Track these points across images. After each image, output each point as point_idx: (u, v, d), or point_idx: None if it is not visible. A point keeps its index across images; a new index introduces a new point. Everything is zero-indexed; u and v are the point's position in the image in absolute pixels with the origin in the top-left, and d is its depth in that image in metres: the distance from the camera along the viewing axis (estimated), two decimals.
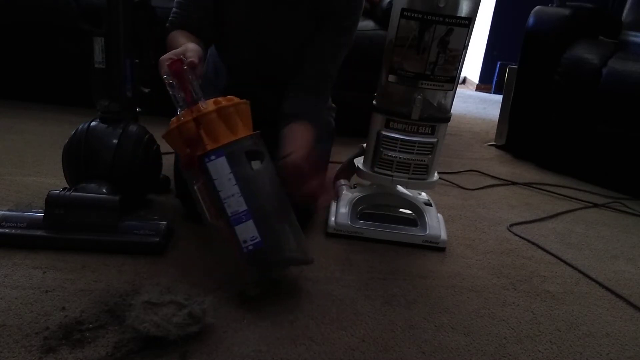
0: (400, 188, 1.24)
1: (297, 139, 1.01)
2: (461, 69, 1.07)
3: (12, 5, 1.89)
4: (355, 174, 1.25)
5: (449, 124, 1.14)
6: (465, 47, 1.04)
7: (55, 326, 0.75)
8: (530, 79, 2.04)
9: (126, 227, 0.98)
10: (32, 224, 0.95)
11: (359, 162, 1.22)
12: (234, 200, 0.81)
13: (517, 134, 2.16)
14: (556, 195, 1.69)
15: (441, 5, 0.98)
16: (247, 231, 0.81)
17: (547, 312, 0.96)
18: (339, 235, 1.16)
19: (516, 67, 2.10)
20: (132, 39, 1.11)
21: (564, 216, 1.50)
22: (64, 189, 0.99)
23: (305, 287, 0.94)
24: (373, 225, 1.17)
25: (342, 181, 1.31)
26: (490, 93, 4.08)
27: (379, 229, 1.16)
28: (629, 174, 1.77)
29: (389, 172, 1.15)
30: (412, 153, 1.12)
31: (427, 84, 1.06)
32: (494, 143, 2.31)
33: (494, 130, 2.34)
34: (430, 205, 1.23)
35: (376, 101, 1.13)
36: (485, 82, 4.15)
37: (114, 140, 1.07)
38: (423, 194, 1.29)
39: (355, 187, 1.29)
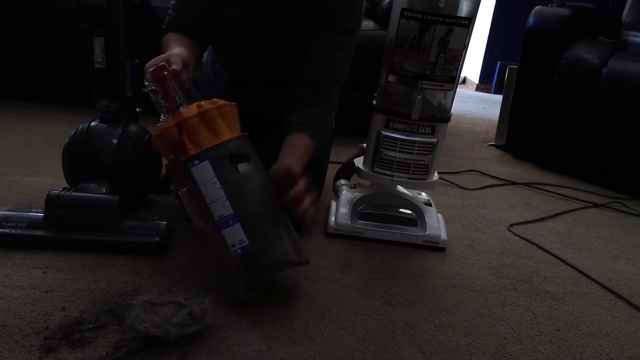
0: (400, 188, 1.24)
1: (296, 151, 0.99)
2: (461, 69, 1.07)
3: (12, 5, 1.89)
4: (355, 174, 1.25)
5: (449, 124, 1.14)
6: (465, 47, 1.04)
7: (55, 326, 0.75)
8: (530, 79, 2.04)
9: (126, 227, 0.98)
10: (32, 224, 0.95)
11: (359, 162, 1.22)
12: (220, 204, 0.80)
13: (517, 134, 2.16)
14: (556, 195, 1.69)
15: (441, 5, 0.98)
16: (235, 235, 0.80)
17: (547, 312, 0.96)
18: (339, 235, 1.16)
19: (516, 67, 2.10)
20: (132, 39, 1.11)
21: (564, 216, 1.50)
22: (64, 189, 0.99)
23: (305, 287, 0.94)
24: (373, 225, 1.17)
25: (342, 181, 1.31)
26: (490, 93, 4.08)
27: (379, 229, 1.16)
28: (629, 174, 1.77)
29: (389, 172, 1.15)
30: (412, 153, 1.12)
31: (427, 84, 1.06)
32: (494, 143, 2.31)
33: (494, 130, 2.34)
34: (430, 205, 1.23)
35: (376, 101, 1.13)
36: (485, 82, 4.15)
37: (114, 140, 1.07)
38: (423, 194, 1.29)
39: (355, 187, 1.29)
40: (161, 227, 1.00)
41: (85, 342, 0.72)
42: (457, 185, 1.67)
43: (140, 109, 1.20)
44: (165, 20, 1.08)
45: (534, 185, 1.77)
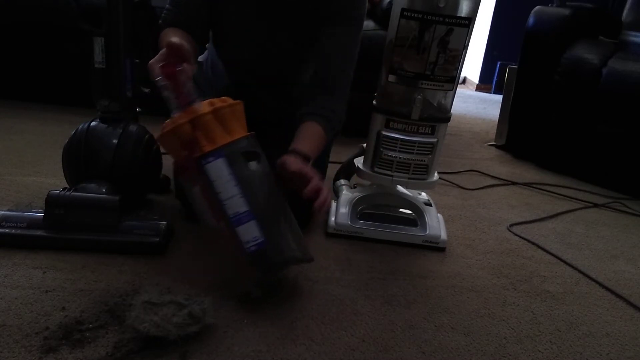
0: (400, 188, 1.24)
1: (309, 140, 1.00)
2: (461, 69, 1.07)
3: (12, 5, 1.89)
4: (355, 174, 1.25)
5: (449, 124, 1.14)
6: (465, 47, 1.04)
7: (55, 326, 0.75)
8: (530, 79, 2.04)
9: (126, 227, 0.98)
10: (32, 224, 0.95)
11: (359, 162, 1.22)
12: (234, 201, 0.80)
13: (517, 134, 2.16)
14: (556, 195, 1.69)
15: (441, 5, 0.98)
16: (249, 232, 0.80)
17: (547, 312, 0.96)
18: (339, 235, 1.16)
19: (516, 67, 2.10)
20: (132, 39, 1.11)
21: (564, 216, 1.50)
22: (64, 189, 0.99)
23: (305, 287, 0.94)
24: (373, 225, 1.17)
25: (342, 181, 1.31)
26: (490, 93, 4.08)
27: (379, 229, 1.16)
28: (629, 174, 1.77)
29: (389, 172, 1.15)
30: (412, 153, 1.12)
31: (427, 84, 1.06)
32: (494, 143, 2.31)
33: (494, 130, 2.34)
34: (430, 205, 1.23)
35: (376, 101, 1.13)
36: (485, 82, 4.14)
37: (114, 140, 1.07)
38: (423, 194, 1.29)
39: (355, 187, 1.29)
40: (161, 227, 1.00)
41: (85, 342, 0.72)
42: (457, 185, 1.67)
43: (140, 109, 1.20)
44: (163, 14, 1.07)
45: (534, 185, 1.77)
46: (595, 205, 1.62)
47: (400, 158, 1.13)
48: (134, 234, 0.98)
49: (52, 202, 0.95)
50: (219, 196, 0.80)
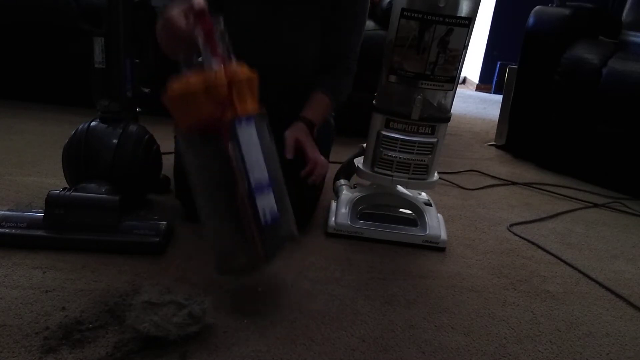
0: (400, 188, 1.24)
1: (313, 107, 1.13)
2: (461, 69, 1.07)
3: (12, 5, 1.89)
4: (355, 174, 1.25)
5: (449, 124, 1.14)
6: (465, 47, 1.04)
7: (55, 326, 0.75)
8: (530, 79, 2.04)
9: (126, 227, 0.98)
10: (32, 224, 0.95)
11: (359, 162, 1.22)
12: (259, 168, 0.78)
13: (517, 134, 2.16)
14: (556, 195, 1.69)
15: (441, 5, 0.98)
16: (268, 202, 0.79)
17: (547, 312, 0.96)
18: (339, 235, 1.16)
19: (516, 67, 2.10)
20: (132, 39, 1.11)
21: (564, 216, 1.50)
22: (64, 189, 0.99)
23: (305, 287, 0.94)
24: (373, 225, 1.17)
25: (342, 181, 1.31)
26: (490, 93, 4.08)
27: (379, 229, 1.16)
28: (629, 174, 1.77)
29: (389, 172, 1.15)
30: (412, 153, 1.12)
31: (427, 84, 1.06)
32: (494, 143, 2.31)
33: (494, 130, 2.34)
34: (430, 205, 1.23)
35: (376, 101, 1.13)
36: (485, 82, 4.15)
37: (114, 140, 1.07)
38: (423, 194, 1.29)
39: (355, 187, 1.29)
40: (161, 227, 1.00)
41: (85, 342, 0.72)
42: (457, 185, 1.67)
43: (140, 109, 1.20)
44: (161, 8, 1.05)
45: (534, 185, 1.77)
46: (595, 205, 1.62)
47: (400, 158, 1.13)
48: (134, 234, 0.98)
49: (52, 202, 0.95)
50: (245, 161, 0.77)
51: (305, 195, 1.13)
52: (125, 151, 1.07)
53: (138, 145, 1.10)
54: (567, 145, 1.93)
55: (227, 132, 0.76)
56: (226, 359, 0.73)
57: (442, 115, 1.12)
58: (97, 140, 1.07)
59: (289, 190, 1.10)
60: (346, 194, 1.23)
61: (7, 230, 0.94)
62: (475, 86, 4.21)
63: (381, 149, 1.13)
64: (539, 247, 1.25)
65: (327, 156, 1.27)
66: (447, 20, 0.99)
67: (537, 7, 2.02)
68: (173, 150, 1.19)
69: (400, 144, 1.11)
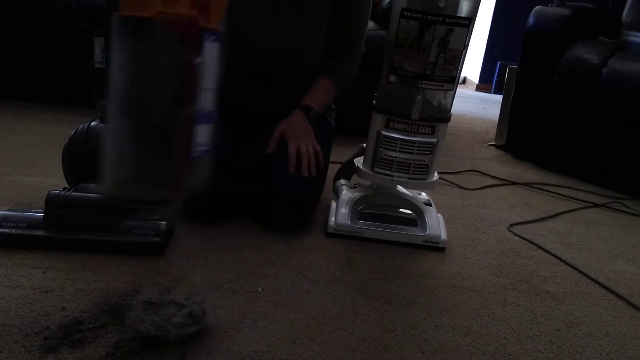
0: (400, 188, 1.24)
1: (313, 92, 1.20)
2: (461, 69, 1.07)
3: (12, 5, 1.89)
4: (355, 174, 1.25)
5: (449, 124, 1.14)
6: (465, 47, 1.04)
7: (55, 326, 0.75)
8: (530, 79, 2.04)
9: (126, 227, 0.98)
10: (32, 224, 0.95)
11: (359, 162, 1.22)
12: (209, 95, 0.68)
13: (517, 134, 2.16)
14: (556, 195, 1.69)
15: (441, 5, 0.98)
16: (204, 135, 0.69)
17: (547, 312, 0.96)
18: (339, 235, 1.16)
19: (516, 67, 2.10)
20: None
21: (564, 216, 1.50)
22: (64, 189, 0.99)
23: (305, 287, 0.94)
24: (373, 225, 1.17)
25: (342, 181, 1.31)
26: (490, 93, 4.08)
27: (379, 229, 1.16)
28: (629, 174, 1.77)
29: (389, 172, 1.14)
30: (412, 153, 1.12)
31: (427, 84, 1.06)
32: (494, 143, 2.31)
33: (494, 130, 2.34)
34: (430, 205, 1.23)
35: (376, 101, 1.13)
36: (485, 82, 4.15)
37: None
38: (423, 194, 1.29)
39: (355, 187, 1.29)
40: (161, 227, 1.00)
41: (85, 342, 0.72)
42: (457, 185, 1.67)
43: None
44: None
45: (534, 185, 1.77)
46: (595, 205, 1.62)
47: (400, 158, 1.13)
48: (134, 234, 0.98)
49: (52, 202, 0.95)
50: (199, 80, 0.67)
51: (304, 193, 1.13)
52: None
53: None
54: (567, 145, 1.93)
55: (196, 39, 0.64)
56: (226, 359, 0.73)
57: (442, 115, 1.12)
58: (97, 140, 1.07)
59: (290, 189, 1.11)
60: (346, 194, 1.23)
61: (7, 230, 0.94)
62: (475, 86, 4.21)
63: (381, 149, 1.13)
64: (539, 247, 1.25)
65: (327, 156, 1.28)
66: (447, 20, 0.99)
67: (537, 7, 2.02)
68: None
69: (400, 144, 1.11)
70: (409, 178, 1.15)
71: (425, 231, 1.16)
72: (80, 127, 1.09)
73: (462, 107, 3.23)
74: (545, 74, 1.94)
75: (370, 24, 1.98)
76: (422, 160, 1.13)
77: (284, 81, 1.21)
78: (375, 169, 1.15)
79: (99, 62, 1.08)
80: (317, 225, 1.21)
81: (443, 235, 1.16)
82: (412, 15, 1.00)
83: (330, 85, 1.22)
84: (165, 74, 0.66)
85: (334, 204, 1.22)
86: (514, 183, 1.77)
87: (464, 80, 4.45)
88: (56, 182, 1.21)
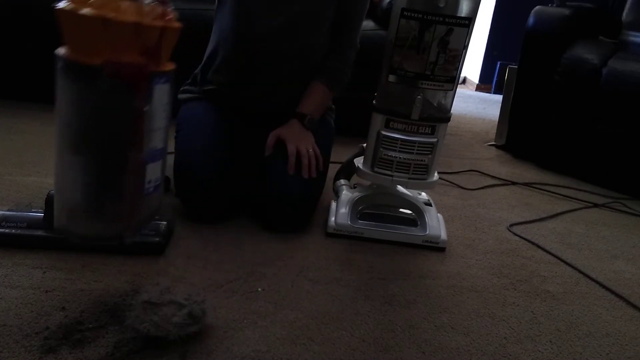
0: (400, 188, 1.24)
1: (307, 98, 1.20)
2: (461, 69, 1.07)
3: (12, 5, 1.89)
4: (355, 174, 1.25)
5: (449, 124, 1.14)
6: (465, 47, 1.04)
7: (55, 326, 0.75)
8: (530, 79, 2.04)
9: None
10: (32, 224, 0.95)
11: (359, 162, 1.22)
12: (158, 135, 0.68)
13: (517, 134, 2.16)
14: (556, 195, 1.69)
15: (441, 5, 0.98)
16: (155, 172, 0.70)
17: (547, 312, 0.96)
18: (339, 235, 1.16)
19: (516, 67, 2.10)
20: None
21: (564, 216, 1.50)
22: None
23: (305, 287, 0.94)
24: (373, 225, 1.17)
25: (342, 181, 1.31)
26: (490, 93, 4.08)
27: (379, 229, 1.16)
28: (629, 174, 1.77)
29: (389, 172, 1.14)
30: (412, 153, 1.12)
31: (427, 84, 1.06)
32: (494, 143, 2.31)
33: (494, 130, 2.34)
34: (430, 205, 1.23)
35: (376, 101, 1.13)
36: (485, 82, 4.15)
37: None
38: (423, 194, 1.29)
39: (355, 187, 1.29)
40: (161, 227, 1.00)
41: (85, 342, 0.72)
42: (457, 185, 1.67)
43: None
44: None
45: (534, 185, 1.77)
46: (595, 205, 1.62)
47: (400, 158, 1.13)
48: None
49: (52, 202, 0.95)
50: (150, 124, 0.66)
51: (304, 193, 1.13)
52: None
53: None
54: (567, 145, 1.93)
55: (145, 86, 0.64)
56: (226, 359, 0.73)
57: (442, 115, 1.12)
58: None
59: (290, 189, 1.11)
60: (346, 194, 1.23)
61: (7, 230, 0.94)
62: (475, 86, 4.21)
63: (381, 149, 1.13)
64: (539, 247, 1.25)
65: (327, 156, 1.28)
66: (447, 20, 0.99)
67: (537, 7, 2.02)
68: (173, 150, 1.19)
69: (400, 144, 1.11)
70: (409, 178, 1.15)
71: (425, 231, 1.16)
72: None
73: (462, 107, 3.23)
74: (545, 74, 1.94)
75: (370, 24, 1.98)
76: (422, 160, 1.13)
77: (285, 80, 1.20)
78: (375, 169, 1.15)
79: None
80: (317, 225, 1.21)
81: (443, 235, 1.16)
82: (412, 15, 1.00)
83: (325, 91, 1.22)
84: (114, 120, 0.65)
85: (334, 204, 1.22)
86: (514, 183, 1.77)
87: (464, 80, 4.45)
88: None
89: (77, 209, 0.70)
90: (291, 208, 1.12)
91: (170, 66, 0.68)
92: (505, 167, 1.97)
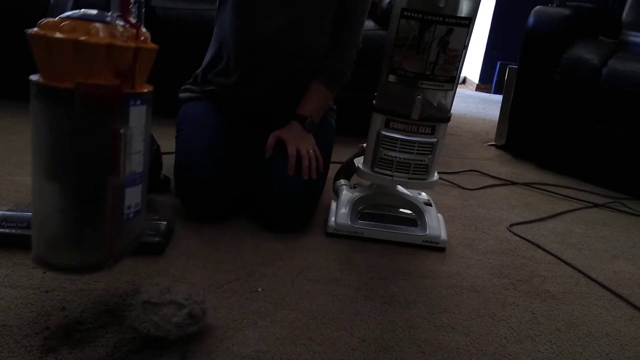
0: (400, 188, 1.24)
1: (307, 100, 1.20)
2: (461, 69, 1.07)
3: (12, 5, 1.89)
4: (355, 174, 1.25)
5: (449, 124, 1.14)
6: (465, 47, 1.04)
7: (55, 326, 0.75)
8: (530, 79, 2.04)
9: None
10: None
11: (359, 162, 1.22)
12: (137, 158, 0.67)
13: (517, 134, 2.16)
14: (556, 195, 1.69)
15: (441, 5, 0.98)
16: (135, 196, 0.69)
17: (547, 312, 0.96)
18: (339, 235, 1.16)
19: (516, 67, 2.10)
20: None
21: (564, 216, 1.50)
22: None
23: (305, 287, 0.94)
24: (373, 225, 1.17)
25: (342, 181, 1.31)
26: (490, 93, 4.08)
27: (379, 229, 1.16)
28: (629, 174, 1.77)
29: (389, 172, 1.14)
30: (412, 153, 1.12)
31: (427, 84, 1.06)
32: (494, 143, 2.31)
33: (494, 130, 2.34)
34: (430, 205, 1.23)
35: (376, 101, 1.13)
36: (485, 82, 4.15)
37: None
38: (423, 194, 1.29)
39: (355, 187, 1.29)
40: (161, 227, 1.00)
41: (85, 342, 0.72)
42: (457, 185, 1.67)
43: None
44: None
45: (534, 185, 1.77)
46: (595, 205, 1.62)
47: (400, 158, 1.13)
48: None
49: None
50: (127, 147, 0.65)
51: (304, 193, 1.13)
52: None
53: None
54: (567, 145, 1.93)
55: (120, 107, 0.63)
56: (226, 359, 0.73)
57: (442, 115, 1.12)
58: None
59: (290, 189, 1.11)
60: (346, 194, 1.23)
61: (7, 230, 0.94)
62: (475, 86, 4.21)
63: (381, 149, 1.13)
64: (539, 247, 1.25)
65: (327, 156, 1.28)
66: (447, 20, 0.99)
67: (537, 7, 2.02)
68: (173, 150, 1.20)
69: (400, 144, 1.11)
70: (409, 178, 1.15)
71: (425, 231, 1.16)
72: None
73: (462, 107, 3.23)
74: (545, 74, 1.94)
75: (370, 24, 1.98)
76: (422, 160, 1.13)
77: (286, 80, 1.20)
78: (375, 169, 1.15)
79: None
80: (317, 225, 1.21)
81: (443, 235, 1.16)
82: (412, 15, 1.00)
83: (325, 91, 1.21)
84: (90, 144, 0.64)
85: (334, 204, 1.22)
86: (514, 183, 1.77)
87: (464, 80, 4.45)
88: None
89: (55, 237, 0.68)
90: (291, 208, 1.12)
91: (146, 88, 0.67)
92: (505, 167, 1.97)
